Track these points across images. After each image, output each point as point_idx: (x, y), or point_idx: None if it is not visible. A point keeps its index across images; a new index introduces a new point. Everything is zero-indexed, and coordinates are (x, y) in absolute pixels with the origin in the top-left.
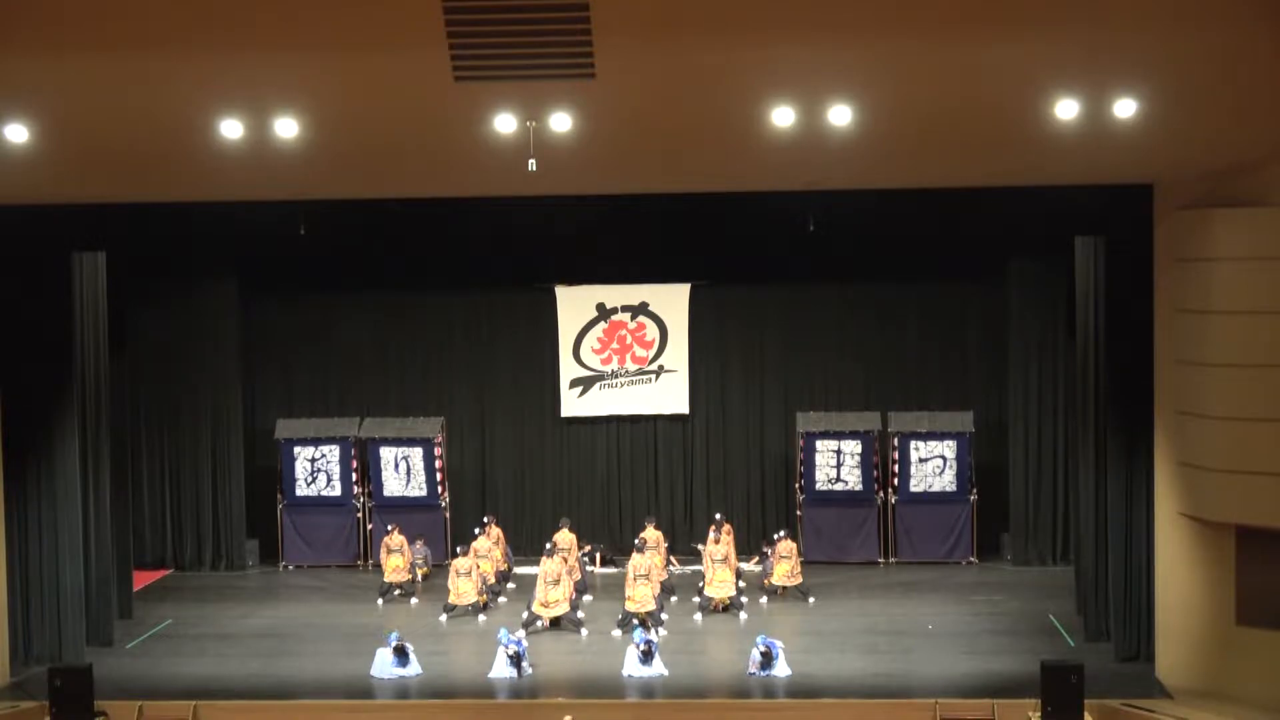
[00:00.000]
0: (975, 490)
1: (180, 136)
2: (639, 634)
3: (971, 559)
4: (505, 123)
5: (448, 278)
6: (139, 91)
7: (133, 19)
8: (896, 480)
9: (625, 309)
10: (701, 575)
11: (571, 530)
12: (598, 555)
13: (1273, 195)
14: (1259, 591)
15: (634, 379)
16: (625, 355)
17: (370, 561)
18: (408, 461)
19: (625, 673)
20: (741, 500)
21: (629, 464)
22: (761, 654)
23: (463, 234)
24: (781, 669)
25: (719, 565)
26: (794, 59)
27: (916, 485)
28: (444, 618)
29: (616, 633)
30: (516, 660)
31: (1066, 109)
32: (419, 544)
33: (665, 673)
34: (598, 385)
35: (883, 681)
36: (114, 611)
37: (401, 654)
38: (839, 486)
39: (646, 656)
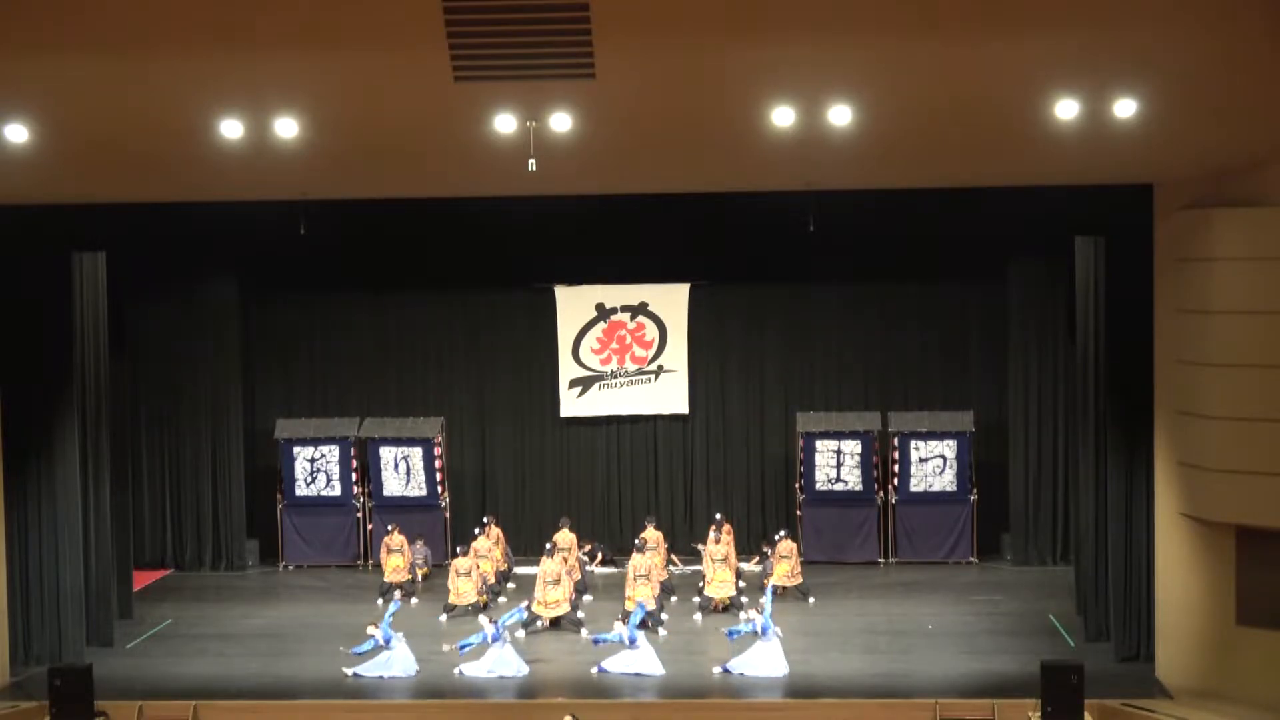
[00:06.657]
0: (975, 490)
1: (180, 136)
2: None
3: (971, 559)
4: (505, 123)
5: (448, 278)
6: (139, 91)
7: (133, 19)
8: (896, 480)
9: (625, 309)
10: (701, 575)
11: (571, 530)
12: (598, 555)
13: (1273, 195)
14: (1259, 591)
15: (633, 379)
16: (625, 355)
17: (370, 561)
18: (407, 461)
19: (620, 669)
20: (741, 500)
21: (629, 464)
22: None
23: (463, 234)
24: (779, 668)
25: (719, 565)
26: (794, 59)
27: (916, 485)
28: (444, 618)
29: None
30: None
31: (1066, 109)
32: (419, 544)
33: (662, 672)
34: (597, 385)
35: (883, 681)
36: (114, 611)
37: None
38: (839, 486)
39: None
